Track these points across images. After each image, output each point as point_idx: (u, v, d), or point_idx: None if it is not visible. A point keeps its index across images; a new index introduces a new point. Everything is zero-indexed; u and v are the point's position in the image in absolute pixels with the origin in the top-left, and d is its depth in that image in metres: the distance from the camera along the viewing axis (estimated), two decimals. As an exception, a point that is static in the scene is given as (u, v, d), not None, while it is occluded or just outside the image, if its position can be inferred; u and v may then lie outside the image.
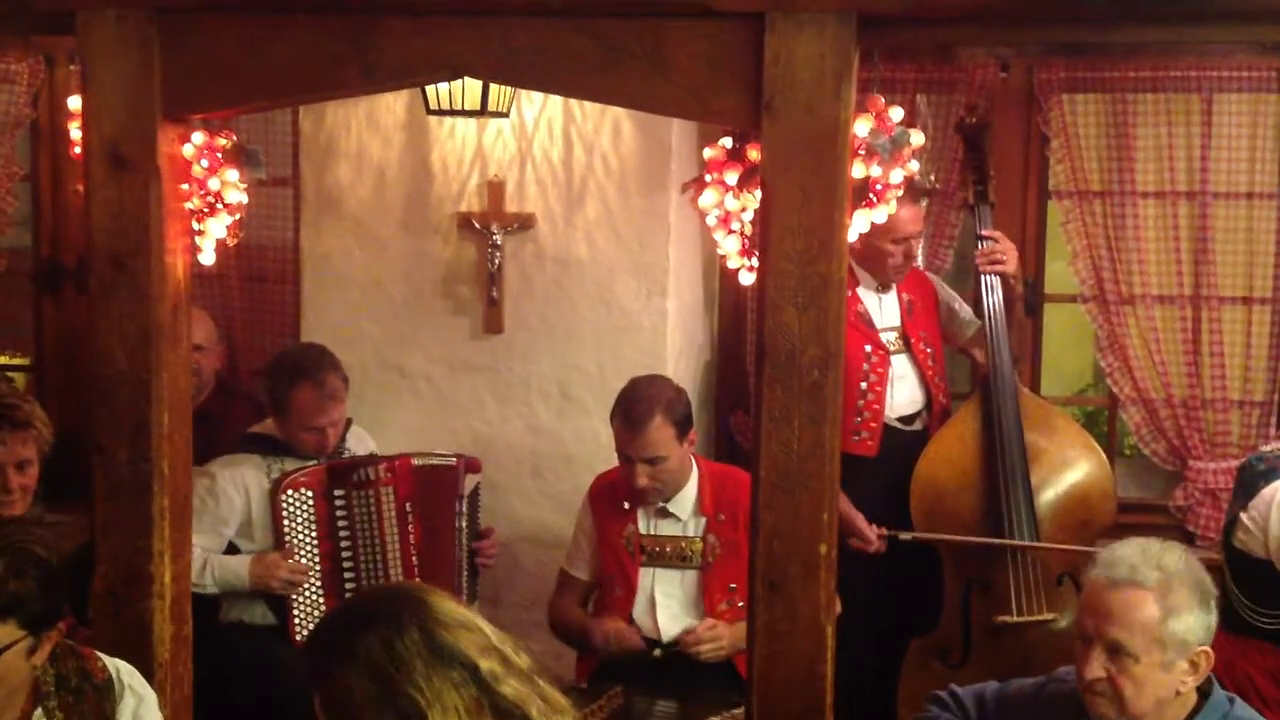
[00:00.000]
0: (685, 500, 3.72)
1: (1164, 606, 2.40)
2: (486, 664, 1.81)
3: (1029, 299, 4.37)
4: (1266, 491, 3.33)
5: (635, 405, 3.61)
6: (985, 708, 2.69)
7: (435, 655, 1.79)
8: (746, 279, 2.83)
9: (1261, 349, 4.31)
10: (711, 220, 2.83)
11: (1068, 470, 4.03)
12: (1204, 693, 2.49)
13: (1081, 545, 3.95)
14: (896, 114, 2.78)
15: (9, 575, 2.28)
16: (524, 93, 3.98)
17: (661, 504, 3.70)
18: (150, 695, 2.59)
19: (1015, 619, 3.93)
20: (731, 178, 2.73)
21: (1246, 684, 3.26)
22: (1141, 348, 4.35)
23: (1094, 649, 2.43)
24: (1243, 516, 3.38)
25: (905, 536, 3.96)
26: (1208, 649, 2.44)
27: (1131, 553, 2.45)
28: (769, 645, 2.72)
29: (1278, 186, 4.25)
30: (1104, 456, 4.09)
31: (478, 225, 4.12)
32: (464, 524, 3.96)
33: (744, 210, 2.76)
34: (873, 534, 3.97)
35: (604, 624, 3.68)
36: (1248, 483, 3.42)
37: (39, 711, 2.41)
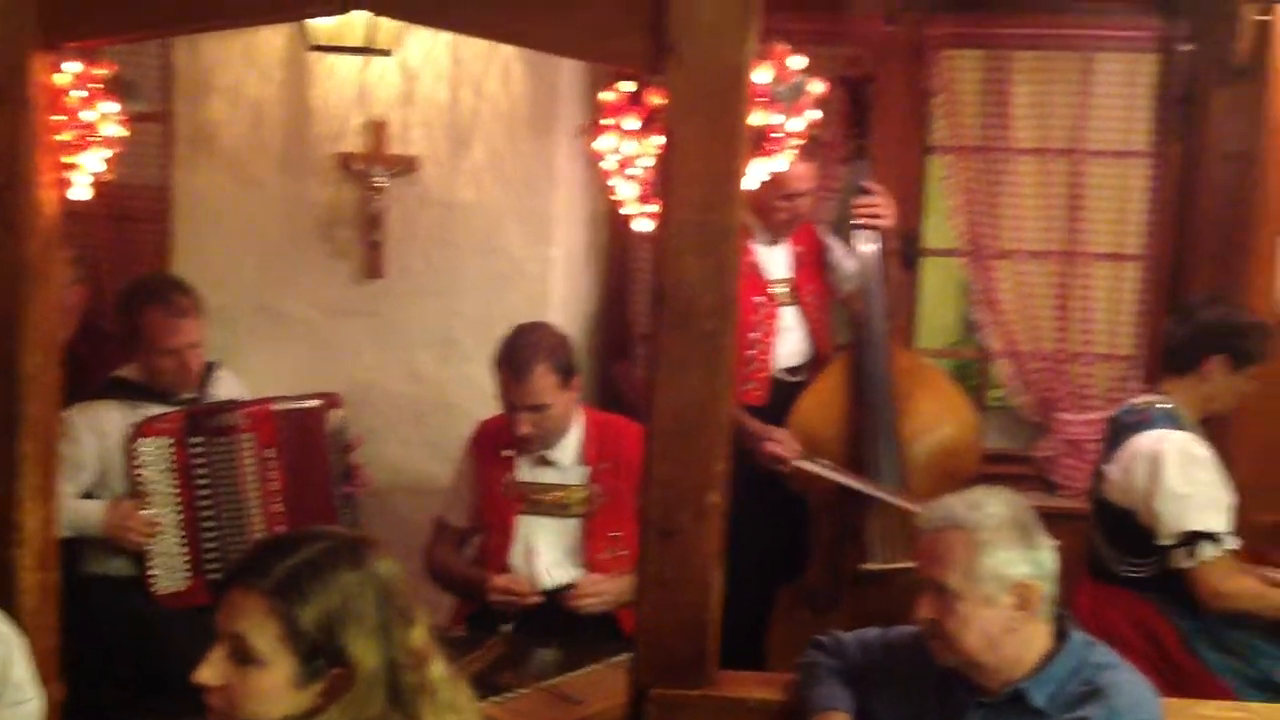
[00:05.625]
0: (567, 448, 3.69)
1: (975, 541, 2.42)
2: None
3: (907, 252, 4.42)
4: (1131, 443, 3.43)
5: (518, 352, 3.57)
6: (870, 652, 2.72)
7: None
8: (644, 226, 2.80)
9: (1129, 304, 4.41)
10: (609, 165, 2.80)
11: (935, 422, 4.07)
12: (1063, 636, 2.51)
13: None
14: (797, 62, 2.77)
15: None
16: (410, 31, 3.88)
17: (542, 452, 3.68)
18: (15, 639, 2.52)
19: (878, 566, 3.98)
20: (632, 123, 2.69)
21: (1111, 631, 3.33)
22: (1014, 302, 4.43)
23: (924, 593, 2.47)
24: (1110, 467, 3.48)
25: (814, 466, 3.94)
26: (1031, 583, 2.43)
27: (954, 500, 2.49)
28: (659, 593, 2.73)
29: (1150, 145, 4.34)
30: (971, 409, 4.14)
31: (358, 167, 4.02)
32: (335, 464, 3.89)
33: (640, 156, 2.73)
34: (794, 442, 3.94)
35: (495, 579, 3.63)
36: (1117, 434, 3.52)
37: None
